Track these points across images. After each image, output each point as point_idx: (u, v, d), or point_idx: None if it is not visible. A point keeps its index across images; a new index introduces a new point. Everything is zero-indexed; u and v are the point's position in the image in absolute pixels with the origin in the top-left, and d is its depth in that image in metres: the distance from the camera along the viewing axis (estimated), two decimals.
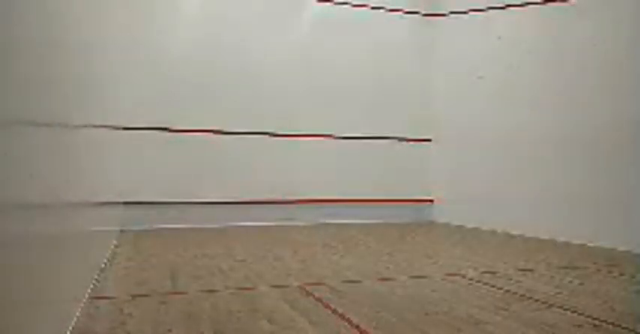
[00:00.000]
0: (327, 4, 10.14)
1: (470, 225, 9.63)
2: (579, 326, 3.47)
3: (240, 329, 3.32)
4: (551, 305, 3.83)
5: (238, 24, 9.43)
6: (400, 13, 10.69)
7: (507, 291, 4.31)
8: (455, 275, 5.18)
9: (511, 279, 4.91)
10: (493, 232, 8.90)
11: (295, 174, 9.49)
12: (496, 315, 3.66)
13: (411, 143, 10.69)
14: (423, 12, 10.82)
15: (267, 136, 9.51)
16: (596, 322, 3.53)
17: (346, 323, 3.47)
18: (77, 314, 3.42)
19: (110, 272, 4.92)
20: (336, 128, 10.03)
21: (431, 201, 10.63)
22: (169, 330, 3.25)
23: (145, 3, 8.83)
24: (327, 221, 9.64)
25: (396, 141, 10.55)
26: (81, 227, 3.78)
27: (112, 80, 6.04)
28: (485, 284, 4.70)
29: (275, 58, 9.61)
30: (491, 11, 9.64)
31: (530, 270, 4.54)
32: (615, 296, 4.47)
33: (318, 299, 4.07)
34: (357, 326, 3.40)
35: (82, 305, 3.65)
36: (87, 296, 3.92)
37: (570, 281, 4.90)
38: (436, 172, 10.62)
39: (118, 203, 7.50)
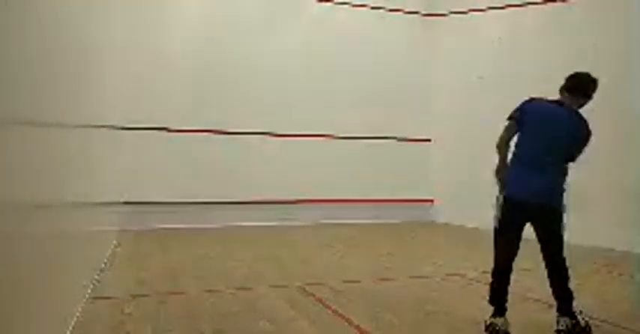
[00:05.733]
0: (327, 4, 10.14)
1: (470, 225, 9.62)
2: None
3: (240, 329, 3.32)
4: (551, 305, 3.82)
5: (238, 23, 9.42)
6: (400, 13, 10.69)
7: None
8: (455, 275, 5.18)
9: (512, 279, 4.90)
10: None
11: (295, 174, 9.47)
12: None
13: (411, 143, 10.68)
14: (423, 12, 10.81)
15: (267, 136, 9.50)
16: (597, 322, 3.53)
17: (346, 323, 3.47)
18: (77, 314, 3.42)
19: (110, 272, 4.92)
20: (335, 128, 10.02)
21: (431, 201, 10.63)
22: (169, 330, 3.26)
23: (145, 3, 8.82)
24: (327, 221, 9.63)
25: (395, 141, 10.55)
26: (81, 227, 3.78)
27: (112, 80, 6.04)
28: (486, 284, 4.67)
29: (275, 57, 9.60)
30: (491, 11, 9.63)
31: (530, 270, 4.54)
32: (615, 296, 4.47)
33: (318, 299, 4.07)
34: (357, 326, 3.40)
35: (82, 305, 3.65)
36: (87, 296, 3.92)
37: (570, 281, 4.89)
38: (436, 172, 10.61)
39: (118, 203, 7.50)
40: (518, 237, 3.44)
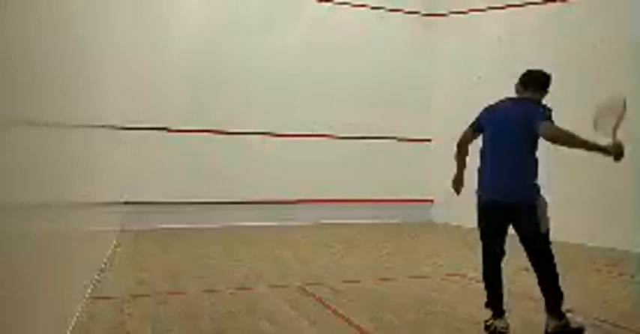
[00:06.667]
0: (327, 4, 10.14)
1: (469, 225, 9.62)
2: None
3: (240, 329, 3.32)
4: None
5: (238, 23, 9.41)
6: (400, 13, 10.69)
7: (507, 291, 4.30)
8: (455, 275, 5.18)
9: (511, 279, 4.91)
10: None
11: (295, 174, 9.47)
12: None
13: (411, 143, 10.68)
14: (423, 12, 10.81)
15: (267, 136, 9.50)
16: (597, 322, 3.53)
17: (346, 324, 3.47)
18: (77, 314, 3.42)
19: (110, 272, 4.92)
20: (335, 128, 10.02)
21: (431, 201, 10.63)
22: (169, 330, 3.26)
23: (144, 3, 8.82)
24: (327, 221, 9.63)
25: (395, 141, 10.55)
26: (81, 227, 3.78)
27: (112, 80, 6.04)
28: None
29: (274, 57, 9.59)
30: (491, 11, 9.63)
31: (530, 270, 4.54)
32: (615, 296, 4.47)
33: (318, 299, 4.07)
34: (357, 326, 3.40)
35: (82, 305, 3.65)
36: (87, 296, 3.92)
37: (570, 281, 4.89)
38: (436, 172, 10.58)
39: (118, 203, 7.50)
40: (501, 237, 3.44)
